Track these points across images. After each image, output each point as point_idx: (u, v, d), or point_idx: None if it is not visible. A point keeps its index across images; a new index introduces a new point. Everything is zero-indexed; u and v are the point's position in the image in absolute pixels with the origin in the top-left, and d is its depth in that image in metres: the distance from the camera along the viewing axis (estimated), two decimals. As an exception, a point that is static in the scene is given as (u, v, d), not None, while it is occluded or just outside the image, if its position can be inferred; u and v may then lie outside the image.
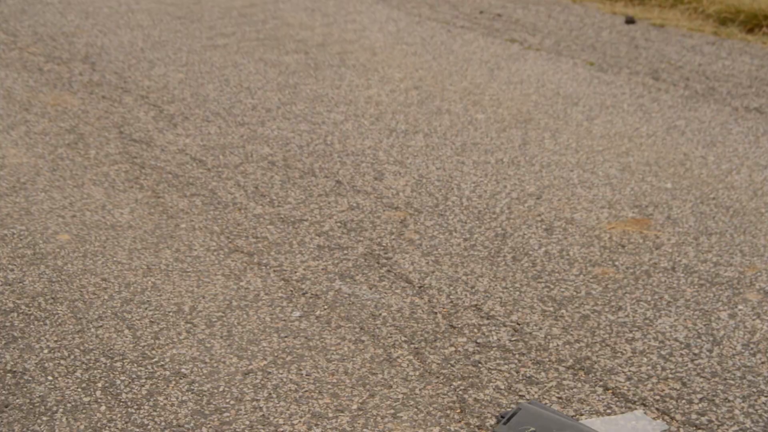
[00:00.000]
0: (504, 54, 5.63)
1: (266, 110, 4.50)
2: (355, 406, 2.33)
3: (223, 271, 3.00)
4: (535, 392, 2.40)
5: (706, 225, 3.37)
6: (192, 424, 2.25)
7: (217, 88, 4.82)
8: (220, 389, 2.39)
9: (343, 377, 2.45)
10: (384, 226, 3.32)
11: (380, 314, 2.75)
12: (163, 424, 2.26)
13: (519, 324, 2.71)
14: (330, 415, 2.29)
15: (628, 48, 5.85)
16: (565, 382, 2.44)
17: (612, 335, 2.66)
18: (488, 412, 2.31)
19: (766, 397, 2.40)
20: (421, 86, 4.92)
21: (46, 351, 2.55)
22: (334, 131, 4.24)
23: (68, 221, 3.32)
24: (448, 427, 2.26)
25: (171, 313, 2.74)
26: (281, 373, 2.46)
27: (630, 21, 6.53)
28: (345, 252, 3.14)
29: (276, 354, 2.54)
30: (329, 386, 2.41)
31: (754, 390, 2.42)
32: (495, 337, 2.64)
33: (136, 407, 2.32)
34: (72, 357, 2.52)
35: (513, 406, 2.33)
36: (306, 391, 2.39)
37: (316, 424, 2.26)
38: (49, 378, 2.43)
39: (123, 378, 2.43)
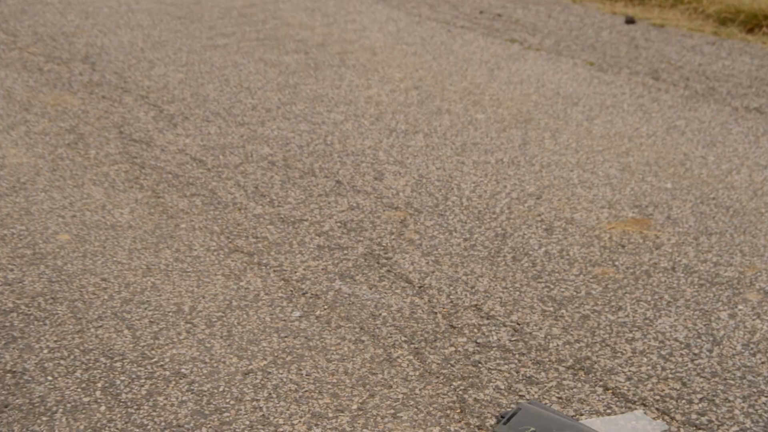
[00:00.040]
0: (504, 54, 5.62)
1: (266, 110, 4.50)
2: (355, 406, 2.33)
3: (223, 271, 3.00)
4: (535, 392, 2.40)
5: (706, 225, 3.37)
6: (192, 424, 2.25)
7: (217, 88, 4.82)
8: (220, 389, 2.39)
9: (343, 377, 2.44)
10: (384, 226, 3.32)
11: (380, 314, 2.75)
12: (162, 424, 2.26)
13: (519, 324, 2.71)
14: (330, 415, 2.29)
15: (628, 48, 5.85)
16: (565, 382, 2.44)
17: (612, 335, 2.66)
18: (488, 412, 2.31)
19: (766, 397, 2.40)
20: (421, 86, 4.92)
21: (45, 351, 2.55)
22: (334, 131, 4.24)
23: (68, 221, 3.32)
24: (448, 427, 2.26)
25: (171, 313, 2.74)
26: (281, 373, 2.46)
27: (630, 21, 6.53)
28: (345, 252, 3.13)
29: (276, 354, 2.54)
30: (329, 386, 2.41)
31: (754, 390, 2.42)
32: (495, 337, 2.64)
33: (135, 407, 2.32)
34: (72, 357, 2.52)
35: (513, 406, 2.32)
36: (306, 391, 2.39)
37: (316, 424, 2.26)
38: (49, 378, 2.43)
39: (123, 378, 2.43)
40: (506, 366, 2.51)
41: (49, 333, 2.63)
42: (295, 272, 3.00)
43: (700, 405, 2.36)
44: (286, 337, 2.63)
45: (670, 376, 2.47)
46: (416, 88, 4.88)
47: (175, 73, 5.07)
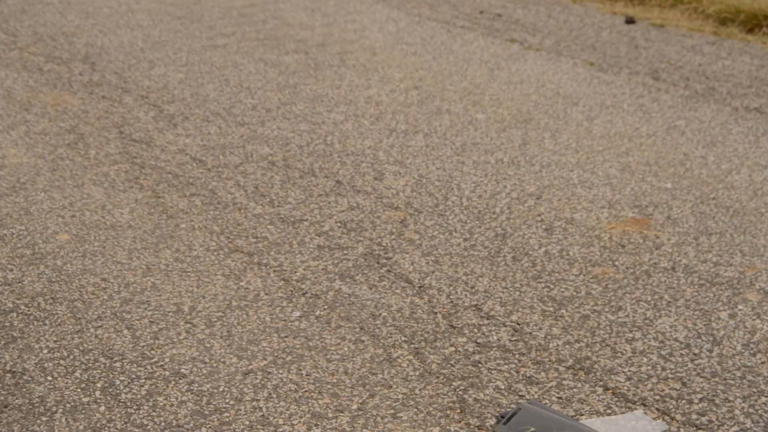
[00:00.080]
0: (504, 54, 5.62)
1: (266, 110, 4.50)
2: (355, 406, 2.33)
3: (223, 271, 3.00)
4: (535, 392, 2.40)
5: (706, 225, 3.37)
6: (191, 425, 2.25)
7: (217, 88, 4.82)
8: (220, 389, 2.39)
9: (343, 377, 2.44)
10: (384, 226, 3.32)
11: (380, 314, 2.75)
12: (162, 424, 2.26)
13: (519, 324, 2.71)
14: (330, 415, 2.29)
15: (628, 48, 5.85)
16: (565, 382, 2.44)
17: (612, 335, 2.66)
18: (488, 412, 2.31)
19: (766, 397, 2.39)
20: (421, 86, 4.92)
21: (45, 351, 2.55)
22: (334, 131, 4.24)
23: (68, 221, 3.32)
24: (448, 427, 2.26)
25: (170, 313, 2.74)
26: (281, 373, 2.46)
27: (630, 21, 6.53)
28: (345, 252, 3.13)
29: (276, 354, 2.54)
30: (329, 386, 2.41)
31: (755, 390, 2.42)
32: (495, 337, 2.64)
33: (135, 407, 2.32)
34: (71, 357, 2.52)
35: (513, 406, 2.32)
36: (306, 391, 2.39)
37: (316, 424, 2.26)
38: (49, 378, 2.43)
39: (122, 378, 2.43)
40: (506, 366, 2.51)
41: (49, 333, 2.63)
42: (295, 272, 2.99)
43: (700, 405, 2.36)
44: (286, 337, 2.63)
45: (670, 376, 2.47)
46: (416, 88, 4.88)
47: (175, 73, 5.07)
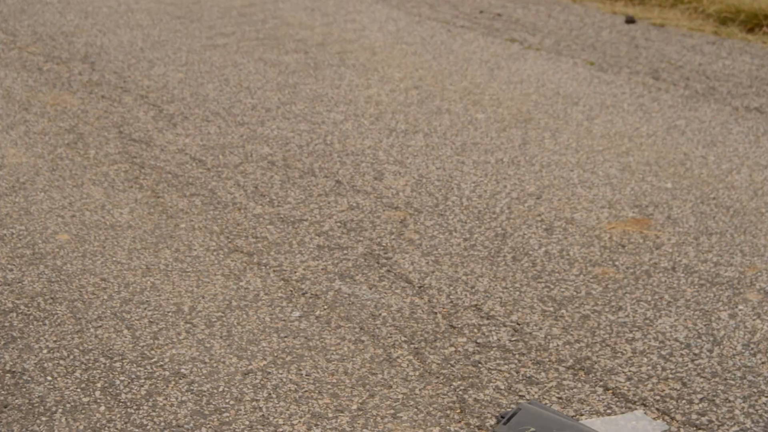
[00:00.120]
0: (504, 54, 5.62)
1: (266, 110, 4.50)
2: (355, 406, 2.32)
3: (223, 271, 2.99)
4: (535, 392, 2.39)
5: (706, 225, 3.37)
6: (191, 425, 2.25)
7: (216, 88, 4.82)
8: (220, 389, 2.39)
9: (343, 377, 2.44)
10: (384, 226, 3.32)
11: (380, 314, 2.75)
12: (162, 424, 2.25)
13: (519, 324, 2.71)
14: (330, 415, 2.29)
15: (628, 48, 5.84)
16: (565, 382, 2.44)
17: (612, 335, 2.66)
18: (488, 412, 2.31)
19: (766, 397, 2.39)
20: (421, 86, 4.92)
21: (45, 351, 2.55)
22: (334, 131, 4.24)
23: (67, 221, 3.32)
24: (448, 427, 2.25)
25: (170, 313, 2.74)
26: (281, 373, 2.45)
27: (630, 21, 6.53)
28: (345, 252, 3.13)
29: (276, 354, 2.54)
30: (329, 386, 2.40)
31: (755, 390, 2.42)
32: (495, 337, 2.64)
33: (135, 407, 2.31)
34: (71, 357, 2.52)
35: (513, 406, 2.32)
36: (306, 391, 2.38)
37: (316, 425, 2.25)
38: (48, 378, 2.43)
39: (122, 378, 2.43)
40: (506, 366, 2.51)
41: (49, 333, 2.63)
42: (295, 272, 2.99)
43: (700, 405, 2.35)
44: (285, 337, 2.63)
45: (670, 376, 2.47)
46: (416, 88, 4.88)
47: (175, 72, 5.07)
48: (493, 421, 2.27)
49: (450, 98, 4.72)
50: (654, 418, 2.30)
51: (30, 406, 2.32)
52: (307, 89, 4.82)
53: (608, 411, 2.33)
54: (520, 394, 2.39)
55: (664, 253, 3.16)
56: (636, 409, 2.34)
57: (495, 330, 2.68)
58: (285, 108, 4.53)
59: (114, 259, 3.06)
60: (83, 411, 2.30)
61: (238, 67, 5.18)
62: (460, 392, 2.39)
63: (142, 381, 2.42)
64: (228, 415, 2.29)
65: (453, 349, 2.58)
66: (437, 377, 2.45)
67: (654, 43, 5.96)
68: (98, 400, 2.34)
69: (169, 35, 5.86)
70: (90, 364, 2.49)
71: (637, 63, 5.49)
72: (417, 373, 2.47)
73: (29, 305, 2.77)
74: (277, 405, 2.33)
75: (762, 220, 3.41)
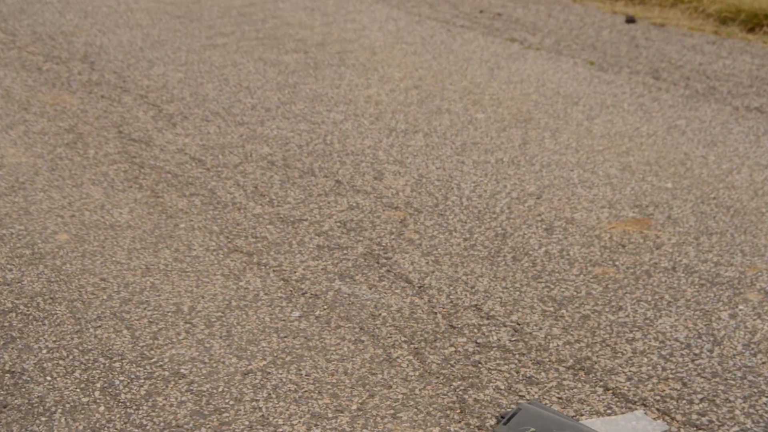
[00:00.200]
0: (504, 53, 5.62)
1: (266, 110, 4.50)
2: (354, 407, 2.32)
3: (223, 271, 2.99)
4: (535, 392, 2.39)
5: (706, 225, 3.36)
6: (191, 425, 2.25)
7: (216, 88, 4.81)
8: (220, 389, 2.38)
9: (342, 377, 2.44)
10: (384, 226, 3.31)
11: (380, 314, 2.75)
12: (162, 424, 2.25)
13: (519, 324, 2.71)
14: (330, 415, 2.29)
15: (628, 47, 5.84)
16: (565, 383, 2.43)
17: (612, 335, 2.65)
18: (488, 413, 2.31)
19: (767, 397, 2.39)
20: (421, 86, 4.92)
21: (44, 351, 2.54)
22: (334, 131, 4.23)
23: (67, 221, 3.32)
24: (448, 427, 2.25)
25: (170, 313, 2.74)
26: (281, 374, 2.45)
27: (630, 20, 6.53)
28: (345, 252, 3.13)
29: (275, 354, 2.54)
30: (329, 386, 2.40)
31: (755, 390, 2.41)
32: (495, 337, 2.64)
33: (135, 407, 2.31)
34: (71, 357, 2.52)
35: (513, 406, 2.32)
36: (306, 391, 2.38)
37: (316, 425, 2.25)
38: (48, 378, 2.43)
39: (122, 378, 2.43)
40: (506, 366, 2.50)
41: (48, 333, 2.63)
42: (295, 272, 2.99)
43: (700, 405, 2.35)
44: (285, 337, 2.62)
45: (670, 376, 2.47)
46: (416, 88, 4.87)
47: (175, 72, 5.06)
48: (493, 421, 2.27)
49: (450, 98, 4.72)
50: (654, 419, 2.30)
51: (29, 406, 2.31)
52: (306, 89, 4.82)
53: (608, 411, 2.32)
54: (520, 394, 2.38)
55: (665, 253, 3.15)
56: (636, 409, 2.33)
57: (495, 330, 2.67)
58: (285, 108, 4.53)
59: (113, 259, 3.06)
60: (83, 411, 2.30)
61: (238, 67, 5.18)
62: (460, 392, 2.39)
63: (142, 381, 2.42)
64: (228, 415, 2.29)
65: (453, 349, 2.58)
66: (437, 377, 2.45)
67: (654, 43, 5.96)
68: (98, 400, 2.34)
69: (168, 35, 5.86)
70: (89, 364, 2.48)
71: (638, 63, 5.49)
72: (417, 373, 2.46)
73: (29, 305, 2.77)
74: (277, 405, 2.32)
75: (762, 220, 3.41)
